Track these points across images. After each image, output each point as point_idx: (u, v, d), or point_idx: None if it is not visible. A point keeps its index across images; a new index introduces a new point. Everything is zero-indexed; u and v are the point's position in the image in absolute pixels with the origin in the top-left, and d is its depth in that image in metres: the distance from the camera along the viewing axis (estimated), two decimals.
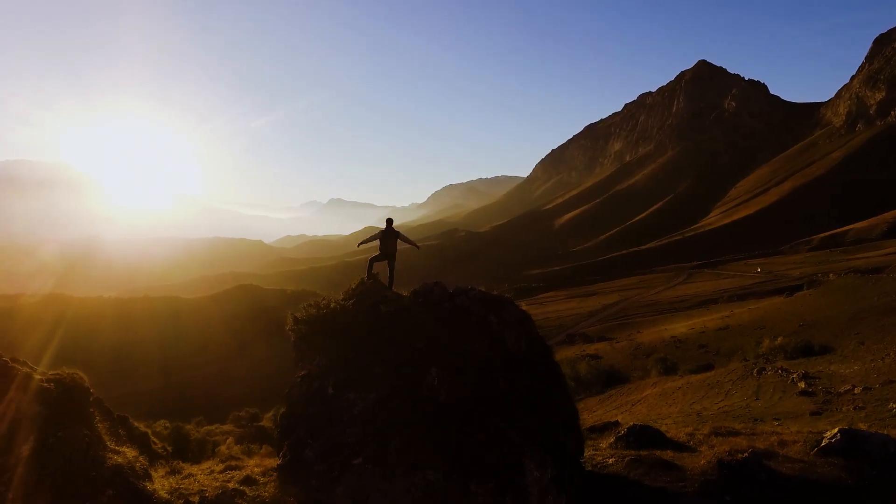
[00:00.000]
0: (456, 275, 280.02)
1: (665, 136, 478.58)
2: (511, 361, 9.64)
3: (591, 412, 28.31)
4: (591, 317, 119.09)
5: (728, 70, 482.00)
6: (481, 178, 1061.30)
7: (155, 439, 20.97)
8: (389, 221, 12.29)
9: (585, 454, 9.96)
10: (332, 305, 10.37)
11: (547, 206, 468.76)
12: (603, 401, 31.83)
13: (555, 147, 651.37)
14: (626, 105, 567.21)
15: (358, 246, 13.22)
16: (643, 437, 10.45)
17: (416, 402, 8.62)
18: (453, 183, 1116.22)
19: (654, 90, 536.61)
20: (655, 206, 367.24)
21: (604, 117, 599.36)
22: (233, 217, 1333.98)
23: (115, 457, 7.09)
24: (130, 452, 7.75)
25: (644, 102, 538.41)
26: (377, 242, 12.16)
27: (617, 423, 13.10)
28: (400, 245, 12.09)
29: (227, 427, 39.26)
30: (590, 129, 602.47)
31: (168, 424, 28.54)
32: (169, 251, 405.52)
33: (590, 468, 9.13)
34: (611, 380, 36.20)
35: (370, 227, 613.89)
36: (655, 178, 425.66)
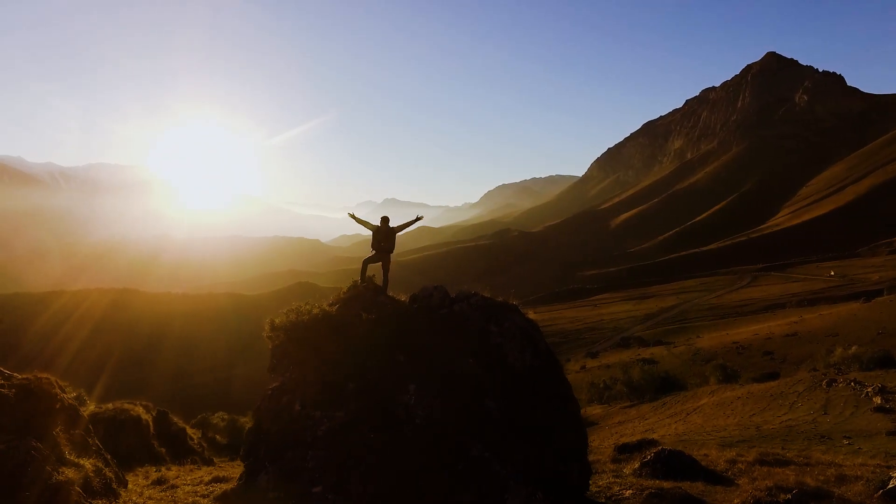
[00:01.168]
0: (508, 275, 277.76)
1: (729, 133, 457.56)
2: (511, 378, 8.56)
3: (644, 419, 26.84)
4: (648, 320, 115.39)
5: (800, 62, 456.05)
6: (535, 178, 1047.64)
7: (192, 434, 21.26)
8: (385, 220, 11.29)
9: (603, 482, 8.87)
10: (315, 311, 9.59)
11: (603, 206, 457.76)
12: (657, 408, 30.20)
13: (611, 145, 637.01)
14: (686, 101, 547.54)
15: (348, 214, 12.08)
16: (672, 464, 9.03)
17: (389, 424, 7.71)
18: (507, 182, 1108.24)
19: (717, 85, 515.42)
20: (718, 206, 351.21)
21: (663, 114, 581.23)
22: (292, 217, 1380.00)
23: (68, 471, 6.58)
24: (91, 466, 7.28)
25: (706, 98, 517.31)
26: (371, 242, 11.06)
27: (653, 443, 11.70)
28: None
29: None
30: (648, 126, 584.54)
31: (225, 416, 29.18)
32: (232, 249, 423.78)
33: (603, 500, 8.02)
34: (666, 386, 34.50)
35: (423, 227, 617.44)
36: (718, 176, 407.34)
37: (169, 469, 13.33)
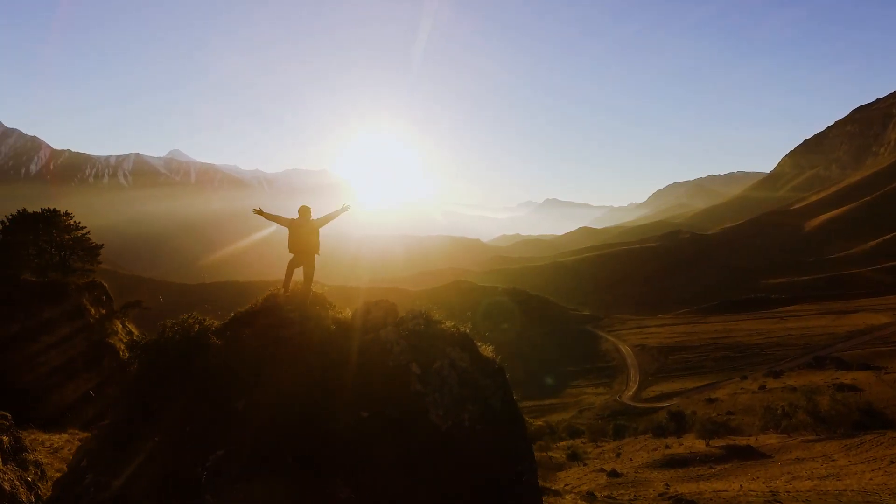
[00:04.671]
0: (675, 280, 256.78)
1: None
2: (426, 448, 5.72)
3: (829, 460, 22.35)
4: (851, 338, 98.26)
5: None
6: (712, 175, 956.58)
7: None
8: (304, 211, 9.02)
9: None
10: (196, 328, 7.56)
11: (795, 206, 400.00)
12: (850, 448, 25.00)
13: (808, 136, 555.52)
14: None
15: (253, 210, 9.27)
16: None
17: None
18: (678, 181, 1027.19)
19: None
20: None
21: (880, 97, 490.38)
22: (456, 217, 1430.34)
23: None
24: None
25: None
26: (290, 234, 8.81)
27: None
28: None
29: None
30: (860, 112, 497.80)
31: None
32: (400, 248, 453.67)
33: None
34: (867, 421, 28.54)
35: (585, 228, 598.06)
36: None
37: None
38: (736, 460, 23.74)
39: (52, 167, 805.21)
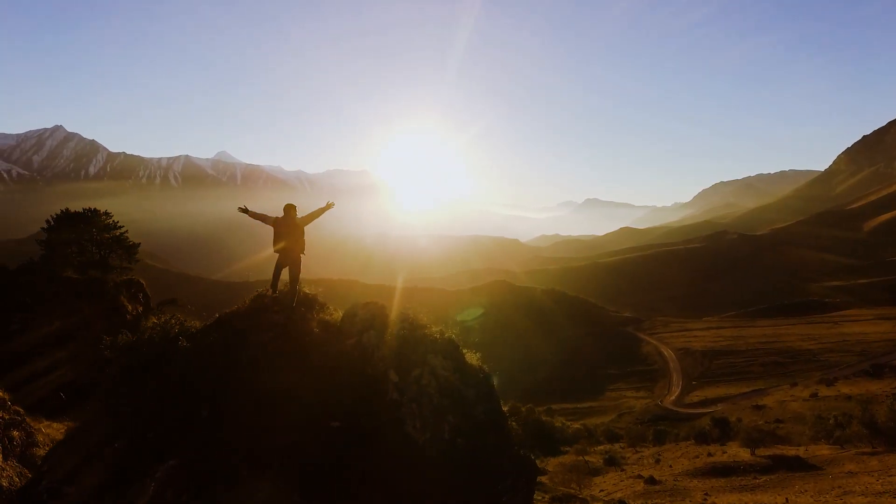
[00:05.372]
0: (722, 282, 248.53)
1: None
2: (400, 466, 5.16)
3: (887, 475, 20.89)
4: None
5: None
6: (761, 174, 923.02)
7: None
8: (290, 209, 8.73)
9: None
10: (176, 329, 7.19)
11: (853, 205, 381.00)
12: None
13: (867, 132, 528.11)
14: None
15: (238, 209, 9.00)
16: None
17: None
18: (725, 180, 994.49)
19: None
20: None
21: None
22: (494, 217, 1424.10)
23: None
24: None
25: None
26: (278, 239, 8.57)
27: None
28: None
29: None
30: None
31: None
32: (437, 247, 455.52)
33: None
34: None
35: (626, 228, 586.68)
36: None
37: None
38: (783, 471, 22.51)
39: (108, 169, 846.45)
